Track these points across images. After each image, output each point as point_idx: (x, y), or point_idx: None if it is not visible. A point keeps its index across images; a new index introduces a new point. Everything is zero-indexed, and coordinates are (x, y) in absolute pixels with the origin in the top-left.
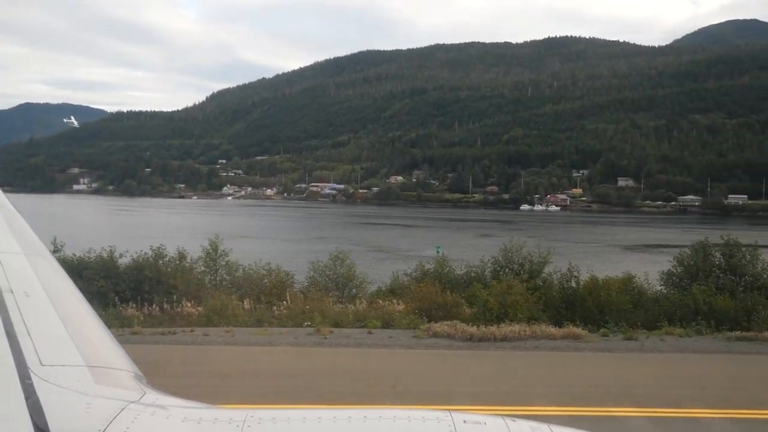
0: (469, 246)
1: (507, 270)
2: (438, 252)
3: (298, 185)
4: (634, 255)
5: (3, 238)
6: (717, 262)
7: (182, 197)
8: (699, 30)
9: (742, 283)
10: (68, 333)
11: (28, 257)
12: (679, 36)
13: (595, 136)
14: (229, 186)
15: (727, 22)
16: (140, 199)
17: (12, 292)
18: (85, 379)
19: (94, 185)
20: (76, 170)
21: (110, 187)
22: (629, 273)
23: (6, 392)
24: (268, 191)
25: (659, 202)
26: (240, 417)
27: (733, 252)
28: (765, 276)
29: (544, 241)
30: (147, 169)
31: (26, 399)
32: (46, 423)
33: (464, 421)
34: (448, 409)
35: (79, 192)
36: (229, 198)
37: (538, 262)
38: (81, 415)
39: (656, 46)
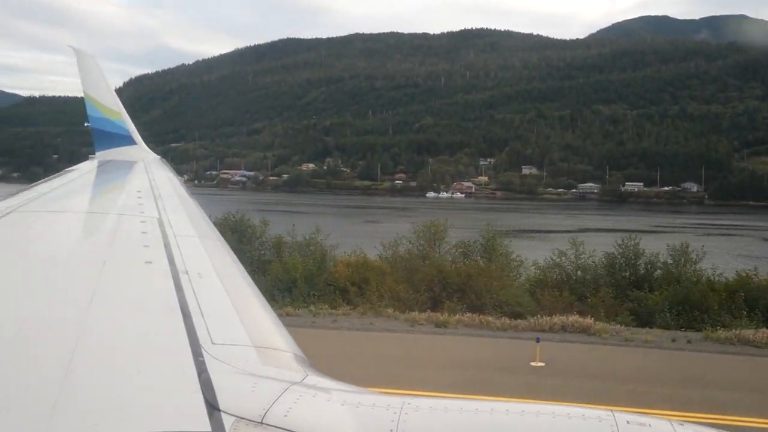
0: (345, 233)
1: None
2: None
3: (208, 172)
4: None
5: (178, 222)
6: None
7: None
8: (613, 25)
9: None
10: (237, 313)
11: (201, 240)
12: (594, 30)
13: (503, 125)
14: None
15: (639, 17)
16: None
17: (187, 273)
18: (252, 359)
19: None
20: None
21: (15, 174)
22: None
23: (181, 368)
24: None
25: (560, 190)
26: (397, 404)
27: None
28: None
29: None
30: (54, 156)
31: (199, 375)
32: (216, 399)
33: (627, 422)
34: (610, 409)
35: None
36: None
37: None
38: (247, 394)
39: (569, 39)
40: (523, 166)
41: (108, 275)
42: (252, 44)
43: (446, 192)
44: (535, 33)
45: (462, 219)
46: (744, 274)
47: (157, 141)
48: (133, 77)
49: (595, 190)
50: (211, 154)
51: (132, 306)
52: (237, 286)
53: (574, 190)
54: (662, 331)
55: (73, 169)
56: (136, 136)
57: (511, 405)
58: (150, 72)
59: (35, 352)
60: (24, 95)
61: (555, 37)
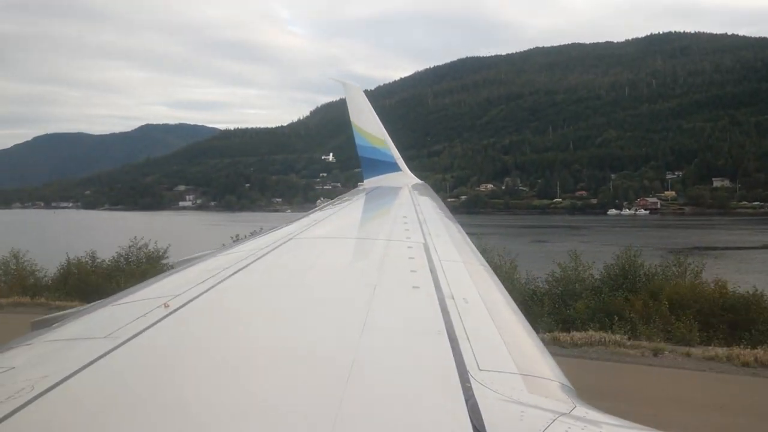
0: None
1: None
2: None
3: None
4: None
5: (443, 247)
6: None
7: (277, 211)
8: None
9: None
10: (503, 340)
11: (465, 265)
12: None
13: (691, 135)
14: (322, 199)
15: None
16: (239, 213)
17: (453, 298)
18: (519, 387)
19: (198, 201)
20: (182, 187)
21: (212, 203)
22: None
23: (449, 392)
24: None
25: (756, 203)
26: None
27: None
28: None
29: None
30: (246, 185)
31: (466, 401)
32: (483, 426)
33: None
34: None
35: (184, 208)
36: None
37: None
38: (515, 423)
39: (766, 36)
40: (713, 179)
41: (378, 300)
42: (432, 66)
43: (629, 209)
44: (729, 33)
45: (644, 237)
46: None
47: (342, 167)
48: (319, 105)
49: None
50: None
51: (401, 329)
52: (501, 312)
53: None
54: None
55: (344, 197)
56: (401, 162)
57: None
58: (335, 99)
59: (312, 374)
60: (222, 128)
61: (753, 36)
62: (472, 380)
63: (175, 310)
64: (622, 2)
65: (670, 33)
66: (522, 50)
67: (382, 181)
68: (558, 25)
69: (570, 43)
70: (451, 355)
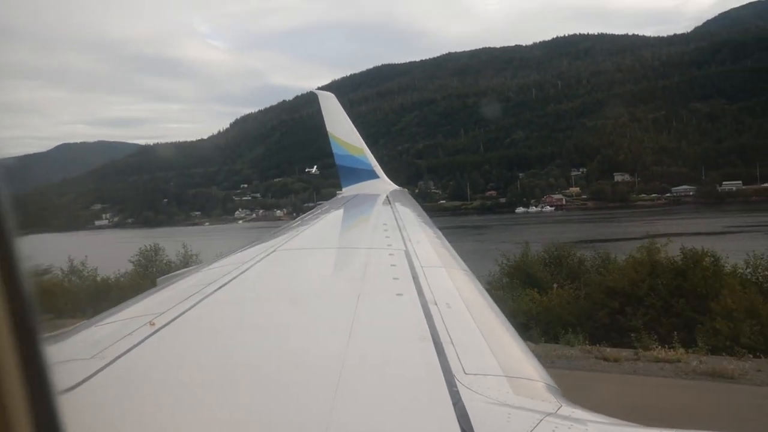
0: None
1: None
2: None
3: (306, 204)
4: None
5: (424, 253)
6: None
7: (195, 224)
8: (719, 15)
9: None
10: (487, 343)
11: (447, 270)
12: (700, 23)
13: (594, 132)
14: (240, 210)
15: (748, 3)
16: (158, 229)
17: (436, 304)
18: (504, 389)
19: (115, 219)
20: (98, 206)
21: (129, 220)
22: None
23: (436, 397)
24: (278, 212)
25: (654, 195)
26: None
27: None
28: None
29: (484, 244)
30: (164, 200)
31: (453, 405)
32: (471, 429)
33: None
34: None
35: (100, 227)
36: (240, 222)
37: None
38: (502, 425)
39: (666, 36)
40: (615, 174)
41: (363, 307)
42: (348, 74)
43: (536, 206)
44: (631, 33)
45: (541, 233)
46: None
47: (261, 177)
48: (239, 117)
49: (691, 192)
50: (308, 187)
51: (387, 337)
52: (484, 316)
53: (668, 194)
54: None
55: (323, 206)
56: (378, 169)
57: None
58: (254, 111)
59: (301, 383)
60: (143, 144)
61: (653, 35)
62: (458, 384)
63: (161, 328)
64: (533, 6)
65: (575, 35)
66: (435, 56)
67: (360, 189)
68: (471, 31)
69: (481, 47)
70: (437, 360)
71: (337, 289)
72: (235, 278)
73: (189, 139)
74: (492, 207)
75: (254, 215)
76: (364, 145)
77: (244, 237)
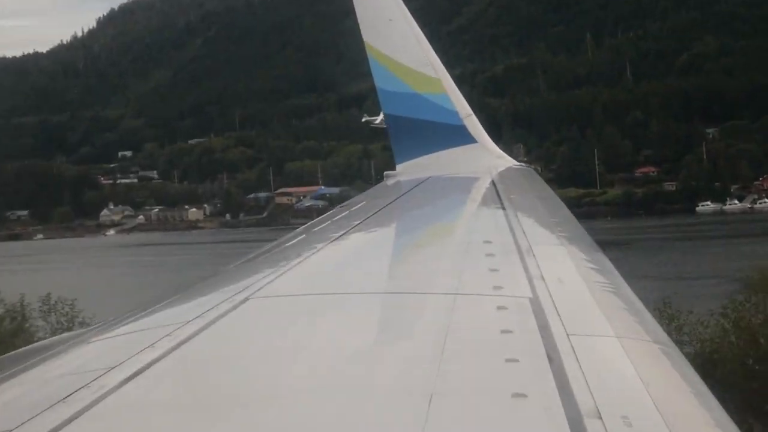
0: None
1: None
2: None
3: (252, 195)
4: None
5: (577, 308)
6: None
7: (18, 238)
8: None
9: None
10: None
11: (623, 345)
12: None
13: None
14: (111, 207)
15: None
16: None
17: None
18: None
19: None
20: None
21: None
22: None
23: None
24: (192, 211)
25: None
26: None
27: None
28: None
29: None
30: None
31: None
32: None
33: None
34: None
35: None
36: (111, 233)
37: None
38: None
39: None
40: None
41: None
42: None
43: (741, 199)
44: None
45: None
46: None
47: (159, 136)
48: (117, 7)
49: None
50: (258, 157)
51: None
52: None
53: None
54: None
55: (359, 201)
56: (475, 125)
57: None
58: None
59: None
60: None
61: None
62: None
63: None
64: None
65: None
66: None
67: (436, 164)
68: None
69: None
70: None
71: (367, 401)
72: (189, 339)
73: (15, 53)
74: (648, 199)
75: (140, 218)
76: (446, 73)
77: (126, 274)
